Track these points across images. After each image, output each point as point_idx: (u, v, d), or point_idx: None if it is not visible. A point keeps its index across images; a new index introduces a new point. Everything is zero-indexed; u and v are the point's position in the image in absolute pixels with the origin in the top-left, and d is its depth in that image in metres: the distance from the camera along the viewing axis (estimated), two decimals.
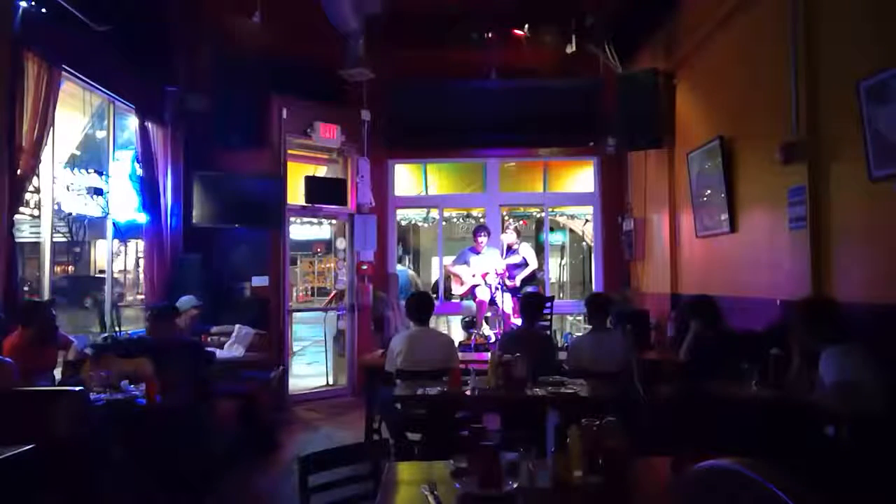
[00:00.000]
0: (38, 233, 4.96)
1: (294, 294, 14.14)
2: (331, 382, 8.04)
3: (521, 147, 8.29)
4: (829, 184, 3.86)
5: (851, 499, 2.46)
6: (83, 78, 5.15)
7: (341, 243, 8.06)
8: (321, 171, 7.98)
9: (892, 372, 2.98)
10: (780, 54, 4.18)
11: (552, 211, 9.54)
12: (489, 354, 4.46)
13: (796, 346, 3.33)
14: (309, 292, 16.72)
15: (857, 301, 3.52)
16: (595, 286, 8.28)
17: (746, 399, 3.41)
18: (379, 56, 6.07)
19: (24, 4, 4.22)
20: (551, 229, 9.61)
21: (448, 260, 8.04)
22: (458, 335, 7.37)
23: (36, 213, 4.83)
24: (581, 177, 8.79)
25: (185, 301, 5.41)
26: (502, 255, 7.48)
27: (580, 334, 6.28)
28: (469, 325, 7.47)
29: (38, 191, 4.74)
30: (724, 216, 5.11)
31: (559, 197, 9.06)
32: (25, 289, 5.50)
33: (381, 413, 4.75)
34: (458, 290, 7.53)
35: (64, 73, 4.67)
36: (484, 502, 1.90)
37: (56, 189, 4.93)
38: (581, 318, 8.37)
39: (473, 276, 7.25)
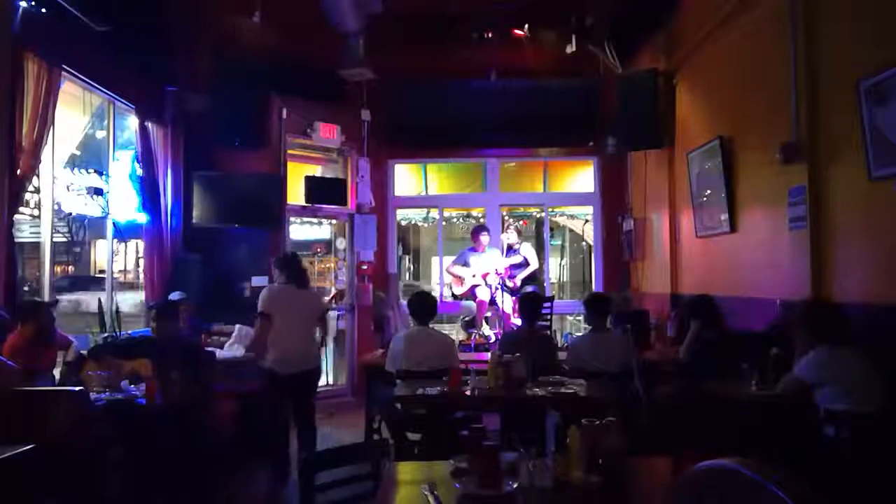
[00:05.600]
0: (38, 233, 4.95)
1: None
2: (331, 382, 8.04)
3: (521, 147, 8.29)
4: (829, 184, 3.86)
5: (851, 499, 2.46)
6: (83, 78, 5.15)
7: (341, 243, 8.06)
8: (321, 171, 7.98)
9: (892, 372, 2.99)
10: (780, 54, 4.18)
11: (552, 211, 9.54)
12: (489, 354, 4.46)
13: (798, 346, 3.33)
14: None
15: (856, 301, 3.53)
16: (595, 286, 8.28)
17: (746, 399, 3.41)
18: (379, 56, 6.06)
19: (24, 4, 4.21)
20: (550, 230, 9.60)
21: (448, 260, 8.04)
22: (458, 335, 7.36)
23: (36, 213, 4.82)
24: (581, 177, 8.79)
25: (173, 297, 5.43)
26: (503, 255, 7.48)
27: (580, 334, 6.28)
28: (469, 325, 7.47)
29: (38, 191, 4.74)
30: (724, 216, 5.11)
31: (559, 197, 9.06)
32: (25, 289, 5.50)
33: (381, 413, 4.75)
34: (458, 290, 7.53)
35: (64, 73, 4.67)
36: (484, 502, 1.90)
37: (56, 189, 4.93)
38: (581, 318, 8.36)
39: (473, 276, 7.25)
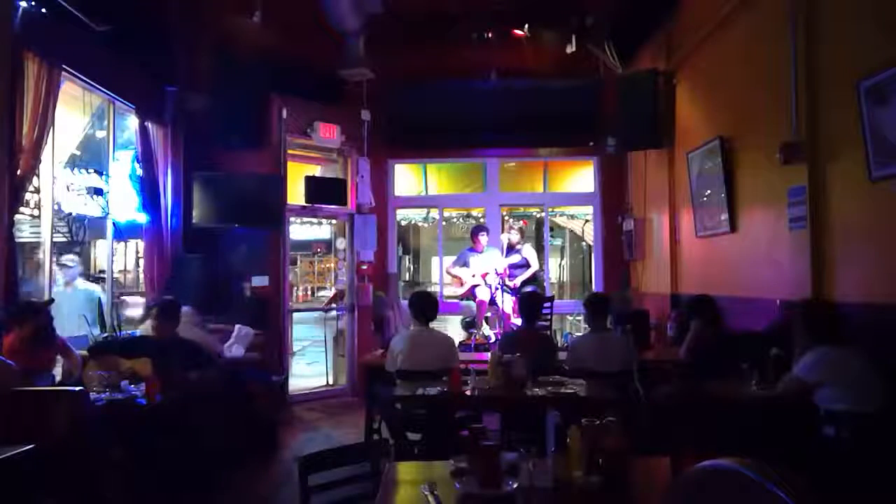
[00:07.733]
0: (38, 233, 4.95)
1: (294, 294, 14.14)
2: (331, 382, 8.04)
3: (521, 147, 8.30)
4: (829, 184, 3.86)
5: (851, 499, 2.46)
6: (83, 78, 5.14)
7: (341, 243, 8.06)
8: (321, 171, 7.98)
9: (892, 372, 2.99)
10: (780, 54, 4.18)
11: (552, 211, 9.54)
12: (489, 354, 4.46)
13: (798, 346, 3.33)
14: (309, 292, 16.71)
15: (856, 301, 3.53)
16: (595, 286, 8.28)
17: (746, 399, 3.41)
18: (379, 56, 6.06)
19: (24, 4, 4.21)
20: (550, 230, 9.60)
21: (448, 260, 8.04)
22: (458, 335, 7.37)
23: (36, 213, 4.81)
24: (581, 177, 8.79)
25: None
26: (503, 255, 7.48)
27: (580, 334, 6.28)
28: (469, 325, 7.47)
29: (38, 191, 4.73)
30: (724, 216, 5.11)
31: (559, 197, 9.06)
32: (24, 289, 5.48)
33: (381, 413, 4.75)
34: (457, 291, 7.52)
35: (64, 73, 4.66)
36: (484, 502, 1.90)
37: (56, 189, 4.92)
38: (581, 318, 8.36)
39: (473, 276, 7.25)
